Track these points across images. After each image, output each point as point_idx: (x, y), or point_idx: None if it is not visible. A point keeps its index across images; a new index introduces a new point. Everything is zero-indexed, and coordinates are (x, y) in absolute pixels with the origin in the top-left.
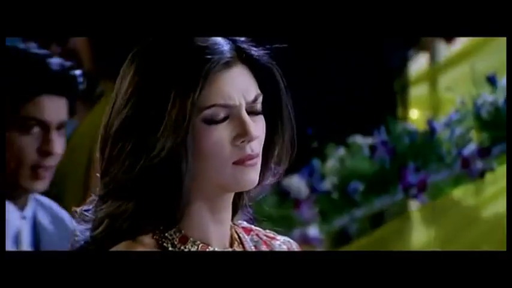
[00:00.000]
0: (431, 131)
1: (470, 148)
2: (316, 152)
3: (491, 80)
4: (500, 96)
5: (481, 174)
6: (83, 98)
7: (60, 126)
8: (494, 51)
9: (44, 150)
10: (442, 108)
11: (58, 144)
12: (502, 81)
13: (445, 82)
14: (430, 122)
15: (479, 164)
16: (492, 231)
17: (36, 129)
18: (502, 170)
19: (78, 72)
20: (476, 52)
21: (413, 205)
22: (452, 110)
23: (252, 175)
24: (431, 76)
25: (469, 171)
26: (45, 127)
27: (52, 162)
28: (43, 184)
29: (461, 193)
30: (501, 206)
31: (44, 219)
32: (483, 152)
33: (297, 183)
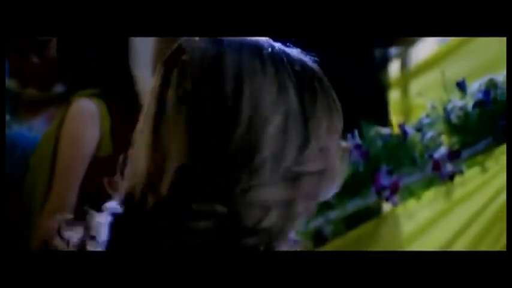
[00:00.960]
0: (404, 135)
1: (441, 151)
2: None
3: (461, 86)
4: (470, 102)
5: (451, 177)
6: (59, 102)
7: None
8: (463, 57)
9: None
10: (414, 113)
11: None
12: (472, 86)
13: (416, 88)
14: (402, 126)
15: (449, 167)
16: (462, 232)
17: None
18: (470, 173)
19: None
20: (446, 58)
21: (386, 207)
22: (423, 115)
23: None
24: (403, 82)
25: (440, 174)
26: None
27: None
28: None
29: (432, 195)
30: (470, 208)
31: None
32: (453, 155)
33: None
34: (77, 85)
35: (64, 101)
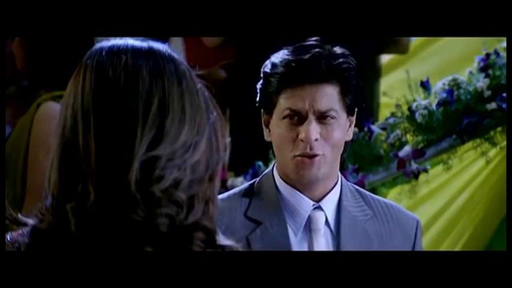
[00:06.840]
0: (369, 134)
1: (406, 150)
2: (260, 154)
3: (425, 85)
4: (434, 101)
5: (416, 175)
6: (14, 103)
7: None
8: (427, 57)
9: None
10: (379, 112)
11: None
12: (436, 86)
13: (381, 87)
14: (367, 125)
15: (413, 165)
16: (426, 229)
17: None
18: (434, 171)
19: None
20: (410, 58)
21: None
22: (389, 114)
23: None
24: (368, 81)
25: (405, 172)
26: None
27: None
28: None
29: (397, 193)
30: (434, 205)
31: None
32: (417, 154)
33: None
34: (42, 86)
35: (25, 99)
